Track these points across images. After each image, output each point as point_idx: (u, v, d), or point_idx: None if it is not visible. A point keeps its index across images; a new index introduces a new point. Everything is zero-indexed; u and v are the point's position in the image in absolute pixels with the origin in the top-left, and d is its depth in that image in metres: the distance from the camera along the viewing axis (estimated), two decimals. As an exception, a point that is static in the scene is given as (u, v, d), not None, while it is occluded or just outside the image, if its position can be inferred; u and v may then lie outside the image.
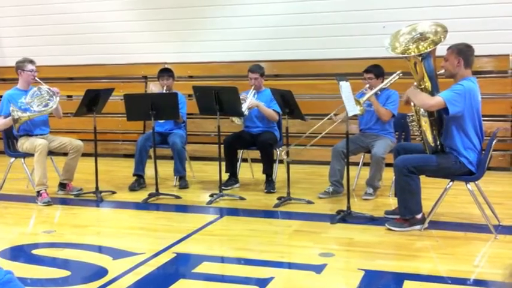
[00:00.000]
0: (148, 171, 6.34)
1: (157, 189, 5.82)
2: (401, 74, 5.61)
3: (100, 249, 4.35)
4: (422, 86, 4.39)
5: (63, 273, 3.76)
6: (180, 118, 6.26)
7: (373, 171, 5.58)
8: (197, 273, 3.69)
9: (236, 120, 6.17)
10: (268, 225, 4.88)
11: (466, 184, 4.46)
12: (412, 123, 4.62)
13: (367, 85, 5.69)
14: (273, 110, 6.06)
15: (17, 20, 9.30)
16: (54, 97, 5.86)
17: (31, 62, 5.95)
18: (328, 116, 5.46)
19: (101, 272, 3.71)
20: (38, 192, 5.68)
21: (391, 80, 5.67)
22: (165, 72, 6.53)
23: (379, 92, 5.67)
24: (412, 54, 4.32)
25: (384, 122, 5.69)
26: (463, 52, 4.33)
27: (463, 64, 4.32)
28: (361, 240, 4.32)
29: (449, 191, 4.55)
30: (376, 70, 5.72)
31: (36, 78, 5.92)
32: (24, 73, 5.91)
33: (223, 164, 6.07)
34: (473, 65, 4.43)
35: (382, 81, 5.70)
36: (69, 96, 8.90)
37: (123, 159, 8.42)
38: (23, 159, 6.00)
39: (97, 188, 5.86)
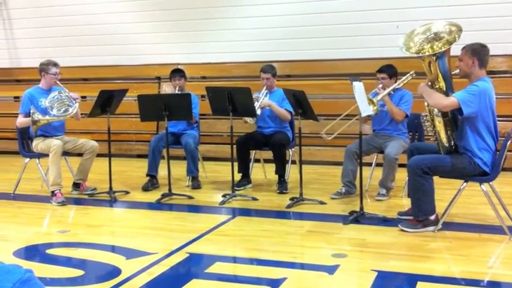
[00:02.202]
0: (162, 171, 6.37)
1: (170, 190, 5.84)
2: (414, 74, 5.59)
3: (113, 249, 4.38)
4: (437, 86, 4.36)
5: (77, 272, 3.79)
6: (193, 119, 6.28)
7: (386, 172, 5.55)
8: (210, 274, 3.69)
9: (249, 119, 6.17)
10: (281, 226, 4.88)
11: (480, 185, 4.42)
12: (426, 123, 4.59)
13: (380, 85, 5.67)
14: (285, 109, 6.06)
15: (31, 22, 9.39)
16: (73, 103, 5.90)
17: (55, 65, 5.94)
18: (356, 117, 5.36)
19: (115, 271, 3.73)
20: (53, 192, 5.73)
21: (404, 80, 5.64)
22: (177, 72, 6.55)
23: (392, 92, 5.65)
24: (427, 53, 4.30)
25: (398, 122, 5.66)
26: (478, 52, 4.29)
27: (478, 64, 4.29)
28: (374, 241, 4.30)
29: (463, 192, 4.51)
30: (389, 70, 5.70)
31: (57, 81, 5.94)
32: (47, 76, 5.92)
33: (236, 164, 6.08)
34: (487, 64, 4.40)
35: (395, 82, 5.67)
36: (83, 97, 8.93)
37: (137, 160, 8.47)
38: (37, 160, 6.06)
39: (111, 188, 5.90)
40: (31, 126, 5.79)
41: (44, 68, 5.94)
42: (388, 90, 5.58)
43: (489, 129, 4.31)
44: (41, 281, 1.32)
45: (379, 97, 5.51)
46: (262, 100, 6.06)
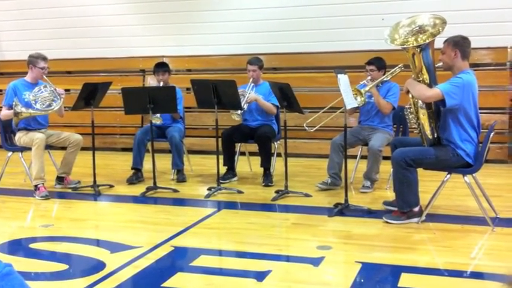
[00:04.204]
0: (146, 164, 6.34)
1: (155, 183, 5.82)
2: (402, 67, 5.62)
3: (98, 242, 4.36)
4: (421, 79, 4.39)
5: (61, 266, 3.76)
6: (177, 114, 6.25)
7: (370, 164, 5.58)
8: (195, 267, 3.69)
9: (235, 116, 6.15)
10: (266, 219, 4.88)
11: (464, 177, 4.46)
12: (410, 116, 4.61)
13: (369, 77, 5.68)
14: (271, 103, 6.05)
15: (14, 14, 9.27)
16: (58, 98, 5.83)
17: (44, 59, 5.84)
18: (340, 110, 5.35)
19: (99, 265, 3.71)
20: (36, 186, 5.67)
21: (392, 72, 5.67)
22: (161, 67, 6.49)
23: (380, 84, 5.67)
24: (411, 45, 4.32)
25: (385, 115, 5.69)
26: (460, 44, 4.33)
27: (460, 56, 4.32)
28: (359, 233, 4.32)
29: (447, 184, 4.55)
30: (378, 62, 5.71)
31: (44, 76, 5.85)
32: (35, 69, 5.83)
33: (221, 157, 6.07)
34: (470, 56, 4.43)
35: (384, 74, 5.70)
36: (67, 90, 8.82)
37: (121, 153, 8.42)
38: (20, 153, 6.00)
39: (95, 181, 5.86)
40: (12, 118, 5.72)
41: (33, 60, 5.85)
42: (376, 82, 5.60)
43: (471, 121, 4.34)
44: (22, 276, 1.31)
45: (367, 88, 5.54)
46: (248, 95, 6.05)
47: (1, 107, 5.94)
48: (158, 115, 6.18)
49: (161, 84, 6.37)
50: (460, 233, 4.30)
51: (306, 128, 5.54)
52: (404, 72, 5.61)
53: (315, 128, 5.55)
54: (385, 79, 5.69)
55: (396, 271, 3.52)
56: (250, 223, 4.71)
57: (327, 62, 7.73)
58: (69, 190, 5.98)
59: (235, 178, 6.30)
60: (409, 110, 4.61)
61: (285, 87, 5.36)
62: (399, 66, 5.63)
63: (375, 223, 4.55)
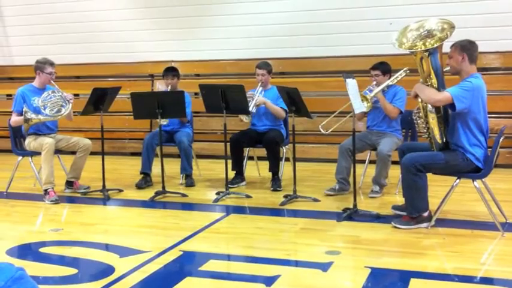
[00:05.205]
0: (155, 169, 6.36)
1: (164, 187, 5.83)
2: (408, 71, 5.61)
3: (107, 247, 4.37)
4: (429, 83, 4.38)
5: (70, 271, 3.78)
6: (186, 118, 6.27)
7: (379, 169, 5.56)
8: (204, 271, 3.69)
9: (244, 118, 6.16)
10: (275, 223, 4.88)
11: (473, 181, 4.44)
12: (418, 120, 4.60)
13: (374, 82, 5.68)
14: (280, 107, 6.06)
15: (23, 19, 9.34)
16: (66, 103, 5.86)
17: (51, 64, 5.87)
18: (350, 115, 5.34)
19: (108, 270, 3.73)
20: (46, 190, 5.70)
21: (397, 76, 5.66)
22: (170, 71, 6.52)
23: (386, 89, 5.66)
24: (419, 50, 4.31)
25: (392, 119, 5.68)
26: (467, 48, 4.32)
27: (468, 60, 4.31)
28: (368, 238, 4.31)
29: (456, 189, 4.53)
30: (383, 67, 5.71)
31: (51, 81, 5.89)
32: (42, 74, 5.86)
33: (230, 162, 6.08)
34: (477, 60, 4.42)
35: (389, 78, 5.69)
36: (76, 95, 8.89)
37: (130, 158, 8.45)
38: (30, 158, 6.03)
39: (104, 186, 5.88)
40: (23, 124, 5.76)
41: (40, 66, 5.87)
42: (381, 86, 5.59)
43: (479, 126, 4.33)
44: (33, 279, 1.31)
45: (372, 94, 5.53)
46: (257, 98, 6.06)
47: (11, 113, 5.98)
48: None
49: (169, 88, 6.40)
50: (469, 238, 4.28)
51: (322, 130, 5.54)
52: (410, 76, 5.60)
53: (330, 130, 5.55)
54: (390, 83, 5.68)
55: (405, 276, 3.51)
56: (259, 228, 4.71)
57: (334, 67, 7.73)
58: (79, 194, 6.01)
59: (244, 183, 6.30)
60: (417, 115, 4.60)
61: (293, 92, 5.36)
62: (404, 70, 5.63)
63: (383, 228, 4.53)
